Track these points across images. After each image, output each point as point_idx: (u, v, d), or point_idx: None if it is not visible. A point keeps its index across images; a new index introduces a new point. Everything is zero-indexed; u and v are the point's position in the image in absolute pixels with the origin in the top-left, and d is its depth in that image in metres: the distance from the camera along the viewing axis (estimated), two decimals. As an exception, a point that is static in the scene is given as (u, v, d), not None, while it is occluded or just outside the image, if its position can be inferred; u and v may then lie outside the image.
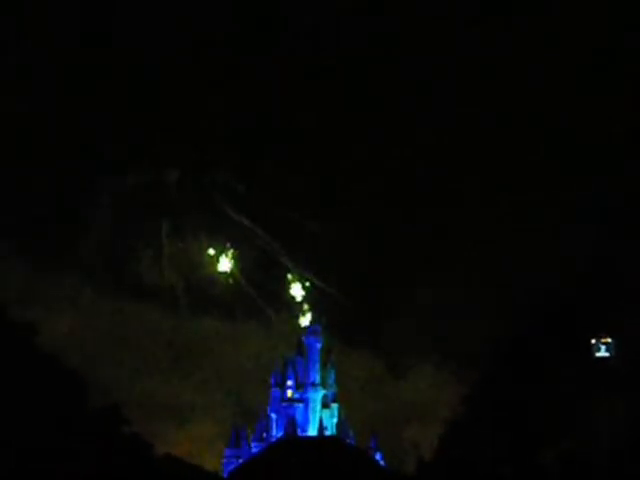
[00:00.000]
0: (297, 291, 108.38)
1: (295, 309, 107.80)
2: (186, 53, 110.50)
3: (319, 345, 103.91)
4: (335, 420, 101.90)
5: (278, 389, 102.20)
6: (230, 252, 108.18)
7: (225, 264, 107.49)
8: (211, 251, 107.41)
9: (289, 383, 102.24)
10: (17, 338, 52.30)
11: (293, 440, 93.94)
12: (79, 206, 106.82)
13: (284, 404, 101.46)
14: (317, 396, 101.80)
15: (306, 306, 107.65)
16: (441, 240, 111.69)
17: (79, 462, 49.68)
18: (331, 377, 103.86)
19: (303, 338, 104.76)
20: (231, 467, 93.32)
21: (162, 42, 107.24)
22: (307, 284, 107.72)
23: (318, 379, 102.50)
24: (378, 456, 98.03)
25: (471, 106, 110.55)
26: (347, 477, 78.62)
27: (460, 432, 57.58)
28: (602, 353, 50.59)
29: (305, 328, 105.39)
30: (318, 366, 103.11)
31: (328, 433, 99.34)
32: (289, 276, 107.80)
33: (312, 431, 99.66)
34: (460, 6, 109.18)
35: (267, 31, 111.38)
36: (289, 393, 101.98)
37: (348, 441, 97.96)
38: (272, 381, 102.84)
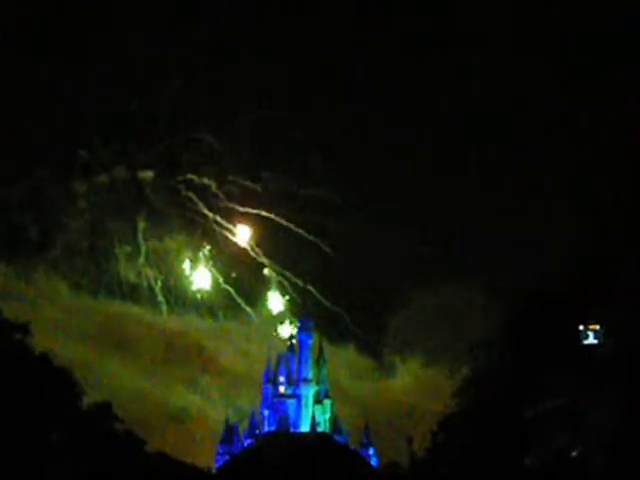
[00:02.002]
0: (276, 303, 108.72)
1: (275, 320, 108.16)
2: (186, 53, 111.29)
3: (310, 341, 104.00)
4: (328, 416, 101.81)
5: (270, 385, 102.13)
6: (207, 249, 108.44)
7: (202, 278, 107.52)
8: (187, 268, 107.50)
9: (281, 379, 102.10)
10: (10, 337, 52.49)
11: (279, 436, 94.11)
12: (54, 204, 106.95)
13: (276, 400, 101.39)
14: (309, 392, 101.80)
15: (284, 313, 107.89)
16: (435, 235, 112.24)
17: (72, 458, 49.80)
18: (323, 373, 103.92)
19: (295, 334, 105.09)
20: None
21: (162, 42, 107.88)
22: (287, 297, 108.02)
23: (310, 375, 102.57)
24: (371, 451, 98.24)
25: (474, 106, 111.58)
26: (333, 473, 79.03)
27: (452, 427, 57.64)
28: (590, 340, 50.19)
29: (284, 339, 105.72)
30: (310, 362, 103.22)
31: (321, 429, 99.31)
32: (265, 271, 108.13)
33: (305, 427, 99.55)
34: (460, 6, 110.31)
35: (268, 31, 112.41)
36: (281, 389, 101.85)
37: (341, 437, 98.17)
38: (264, 378, 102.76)
